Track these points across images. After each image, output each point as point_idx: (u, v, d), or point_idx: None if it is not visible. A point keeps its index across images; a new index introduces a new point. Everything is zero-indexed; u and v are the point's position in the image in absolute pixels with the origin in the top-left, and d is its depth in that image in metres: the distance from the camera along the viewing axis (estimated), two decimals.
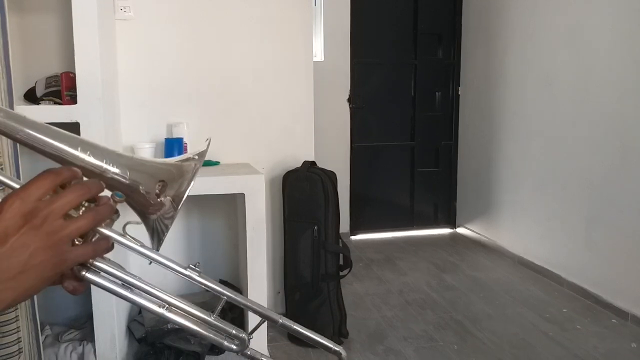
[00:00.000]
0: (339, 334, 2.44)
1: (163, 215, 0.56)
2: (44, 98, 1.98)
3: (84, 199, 0.49)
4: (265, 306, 2.26)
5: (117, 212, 0.53)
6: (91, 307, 1.95)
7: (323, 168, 2.43)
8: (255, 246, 2.08)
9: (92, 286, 0.55)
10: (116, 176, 0.55)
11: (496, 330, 2.58)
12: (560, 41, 3.18)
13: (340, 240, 2.42)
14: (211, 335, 0.60)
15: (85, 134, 1.86)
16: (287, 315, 2.53)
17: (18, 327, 1.44)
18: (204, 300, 2.27)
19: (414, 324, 2.65)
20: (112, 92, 2.14)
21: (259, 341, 2.15)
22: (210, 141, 0.64)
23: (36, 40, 2.16)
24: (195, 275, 0.59)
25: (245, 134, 2.47)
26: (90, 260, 0.52)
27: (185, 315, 0.58)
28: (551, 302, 2.93)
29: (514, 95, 3.64)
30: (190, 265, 0.59)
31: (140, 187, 0.55)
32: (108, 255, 0.54)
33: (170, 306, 0.56)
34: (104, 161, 0.54)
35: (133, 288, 0.56)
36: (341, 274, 2.43)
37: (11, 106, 1.52)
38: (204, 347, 2.12)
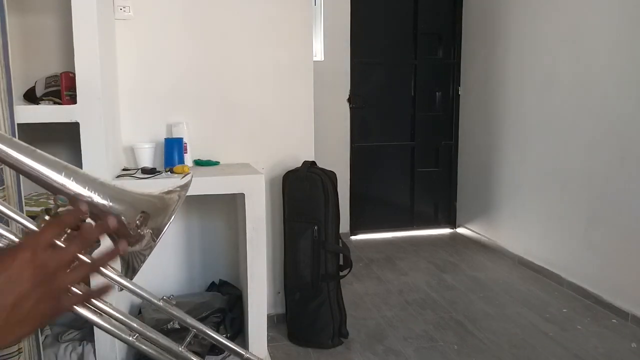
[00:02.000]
0: (339, 334, 2.43)
1: (141, 248, 0.55)
2: (43, 98, 1.97)
3: (83, 250, 0.51)
4: (265, 306, 2.22)
5: (98, 241, 0.54)
6: None
7: (323, 168, 2.43)
8: (255, 246, 2.08)
9: None
10: (98, 204, 0.54)
11: (496, 330, 2.58)
12: (560, 41, 3.18)
13: (340, 240, 2.42)
14: None
15: (85, 134, 1.86)
16: (287, 315, 2.53)
17: None
18: (204, 300, 2.27)
19: (414, 324, 2.65)
20: (112, 91, 2.14)
21: (259, 341, 2.15)
22: (192, 175, 0.63)
23: (36, 40, 2.16)
24: (168, 307, 0.59)
25: (245, 133, 2.47)
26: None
27: (153, 346, 0.58)
28: (551, 302, 2.93)
29: (514, 95, 3.64)
30: (164, 297, 0.59)
31: (122, 218, 0.54)
32: None
33: (139, 335, 0.56)
34: (87, 188, 0.54)
35: (104, 314, 0.56)
36: (341, 274, 2.43)
37: (11, 106, 1.52)
38: (204, 348, 2.12)
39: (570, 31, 3.10)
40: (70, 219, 0.51)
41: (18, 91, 1.92)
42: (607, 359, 2.30)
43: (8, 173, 1.43)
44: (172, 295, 2.30)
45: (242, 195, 2.07)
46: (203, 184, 2.05)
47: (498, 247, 3.86)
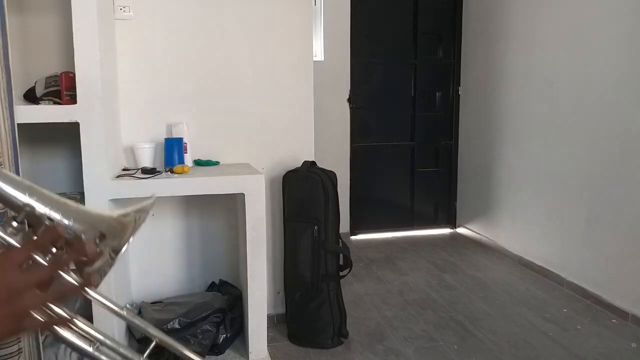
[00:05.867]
0: (339, 334, 2.43)
1: (101, 265, 0.57)
2: (43, 98, 1.97)
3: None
4: (265, 306, 2.22)
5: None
6: (91, 308, 1.95)
7: (323, 168, 2.43)
8: (255, 246, 2.08)
9: None
10: (60, 223, 0.56)
11: (496, 330, 2.58)
12: (560, 41, 3.18)
13: (340, 240, 2.42)
14: None
15: (85, 134, 1.86)
16: (287, 315, 2.53)
17: None
18: (204, 300, 2.27)
19: (414, 324, 2.65)
20: (112, 91, 2.14)
21: (259, 341, 2.15)
22: (155, 198, 0.66)
23: (36, 40, 2.16)
24: (129, 316, 0.62)
25: (245, 133, 2.47)
26: None
27: (114, 356, 0.59)
28: (551, 302, 2.93)
29: (514, 95, 3.64)
30: (127, 306, 0.62)
31: (83, 236, 0.57)
32: None
33: (100, 345, 0.58)
34: (49, 208, 0.56)
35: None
36: (341, 274, 2.43)
37: (11, 106, 1.52)
38: (204, 347, 2.12)
39: (570, 31, 3.10)
40: (45, 241, 0.53)
41: (18, 91, 1.92)
42: (607, 359, 2.30)
43: (7, 170, 1.43)
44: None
45: (242, 195, 2.07)
46: (203, 184, 2.05)
47: (498, 247, 3.86)
